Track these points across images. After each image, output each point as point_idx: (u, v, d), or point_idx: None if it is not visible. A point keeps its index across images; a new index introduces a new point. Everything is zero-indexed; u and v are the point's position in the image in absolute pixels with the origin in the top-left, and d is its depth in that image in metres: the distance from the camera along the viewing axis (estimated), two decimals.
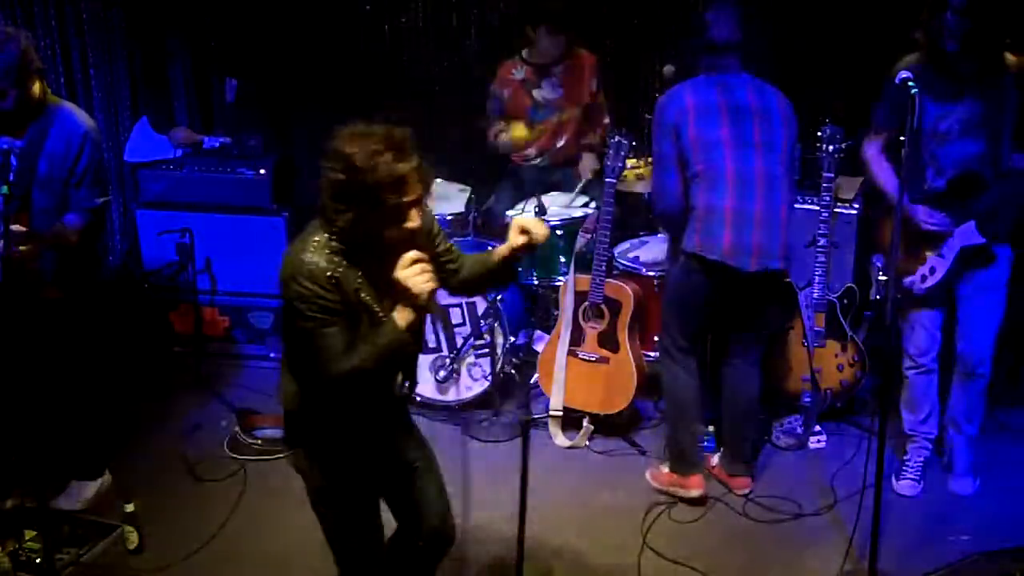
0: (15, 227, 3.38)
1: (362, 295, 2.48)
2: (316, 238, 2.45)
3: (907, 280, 3.75)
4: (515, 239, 2.64)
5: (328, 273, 2.41)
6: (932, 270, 3.71)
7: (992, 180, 3.59)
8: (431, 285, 2.41)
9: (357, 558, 2.78)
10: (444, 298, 4.51)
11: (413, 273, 2.38)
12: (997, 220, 3.60)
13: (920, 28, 3.51)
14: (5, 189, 3.16)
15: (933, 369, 3.94)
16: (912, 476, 3.98)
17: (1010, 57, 3.51)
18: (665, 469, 4.00)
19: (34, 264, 3.53)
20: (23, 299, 3.55)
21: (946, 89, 3.52)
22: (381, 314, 2.50)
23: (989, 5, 3.36)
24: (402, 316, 2.42)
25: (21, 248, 3.39)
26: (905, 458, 4.04)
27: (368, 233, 2.41)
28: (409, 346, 2.51)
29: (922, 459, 4.03)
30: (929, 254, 3.71)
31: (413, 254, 2.39)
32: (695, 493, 3.89)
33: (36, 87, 3.47)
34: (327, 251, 2.43)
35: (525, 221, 2.65)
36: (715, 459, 4.09)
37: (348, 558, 2.79)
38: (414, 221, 2.43)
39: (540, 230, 2.63)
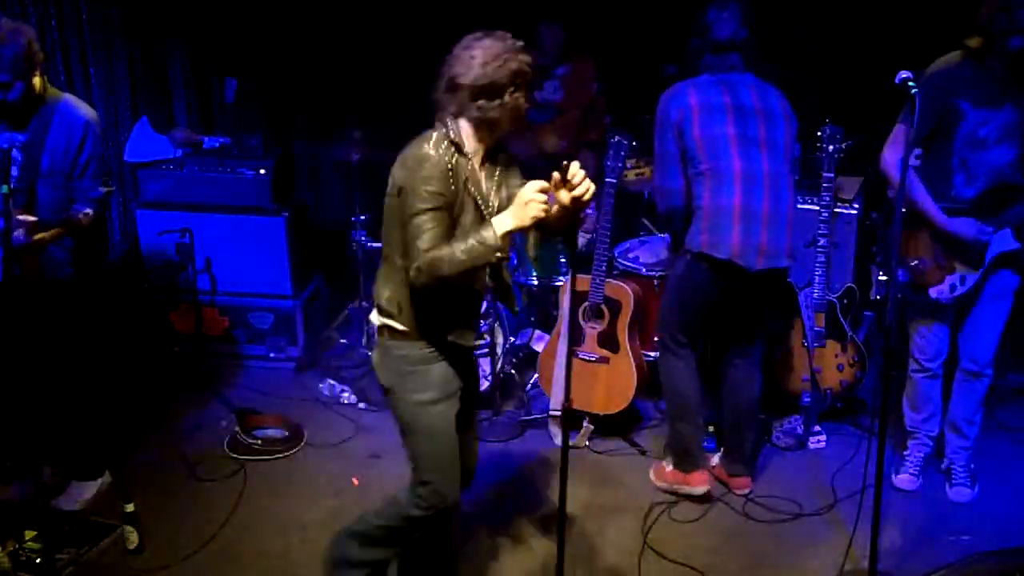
0: (24, 216, 3.41)
1: (470, 185, 2.76)
2: (434, 135, 2.75)
3: (935, 291, 3.70)
4: (559, 196, 2.66)
5: (445, 159, 2.70)
6: (963, 279, 3.68)
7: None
8: (542, 212, 2.62)
9: (437, 466, 2.92)
10: None
11: (537, 198, 2.61)
12: None
13: (977, 31, 3.40)
14: (5, 188, 3.16)
15: (939, 374, 3.94)
16: (911, 471, 4.00)
17: None
18: (668, 467, 4.00)
19: (38, 258, 3.54)
20: (30, 293, 3.57)
21: (988, 94, 3.45)
22: (485, 207, 2.78)
23: None
24: (503, 224, 2.64)
25: (35, 237, 3.42)
26: (905, 453, 4.06)
27: (496, 118, 2.72)
28: (500, 258, 2.67)
29: (922, 455, 4.04)
30: (958, 266, 3.67)
31: (541, 183, 2.63)
32: (700, 490, 3.89)
33: (37, 80, 3.48)
34: (444, 143, 2.73)
35: (561, 174, 2.62)
36: (715, 459, 4.09)
37: (428, 467, 2.93)
38: (527, 101, 2.77)
39: (580, 181, 2.61)
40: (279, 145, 5.43)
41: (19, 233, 3.38)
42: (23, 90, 3.41)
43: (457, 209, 2.74)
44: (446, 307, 2.84)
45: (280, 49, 5.73)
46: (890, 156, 3.61)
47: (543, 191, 2.62)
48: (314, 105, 5.86)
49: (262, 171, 4.95)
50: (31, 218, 3.43)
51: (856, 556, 3.43)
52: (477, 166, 2.81)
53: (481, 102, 2.70)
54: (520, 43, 2.72)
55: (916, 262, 3.69)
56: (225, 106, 5.85)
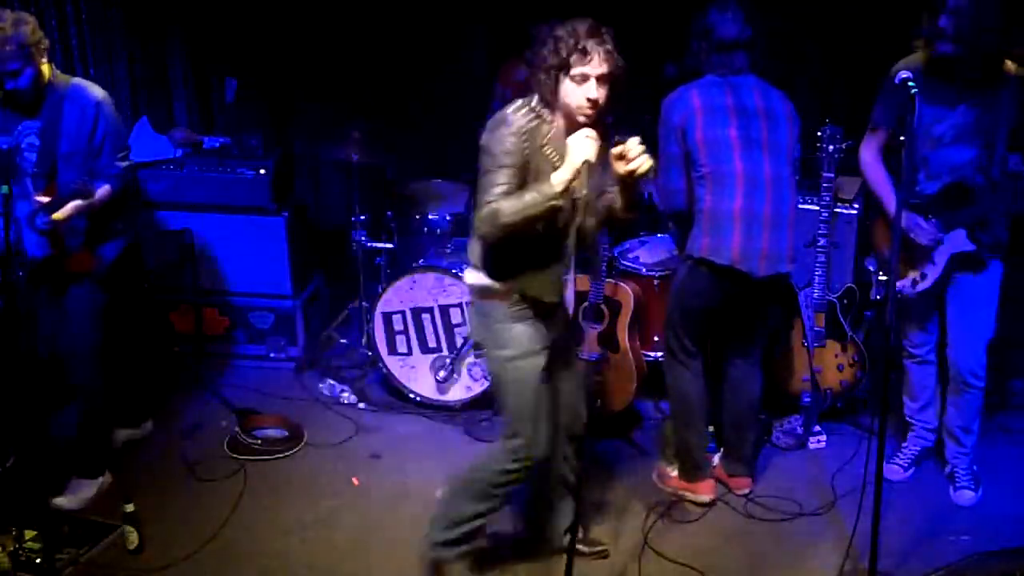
0: (40, 198, 3.56)
1: (546, 149, 2.94)
2: (520, 101, 2.97)
3: (899, 284, 3.75)
4: (616, 168, 2.88)
5: (523, 123, 2.91)
6: (923, 276, 3.72)
7: (983, 188, 3.58)
8: (590, 152, 2.84)
9: (524, 419, 3.12)
10: (445, 299, 4.54)
11: (581, 138, 2.85)
12: (987, 230, 3.60)
13: (919, 35, 3.49)
14: (5, 189, 3.19)
15: (930, 360, 3.96)
16: (900, 463, 4.03)
17: (1009, 64, 3.48)
18: (673, 472, 4.00)
19: (62, 237, 3.68)
20: (53, 276, 3.74)
21: (942, 94, 3.51)
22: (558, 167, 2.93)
23: (984, 9, 3.33)
24: (559, 175, 2.87)
25: (54, 217, 3.53)
26: (903, 445, 4.09)
27: (557, 97, 2.90)
28: (554, 207, 2.87)
29: (919, 448, 4.07)
30: (918, 262, 3.72)
31: (588, 130, 2.87)
32: (705, 498, 3.90)
33: (45, 67, 3.60)
34: (525, 109, 2.95)
35: (620, 148, 2.84)
36: (715, 459, 4.09)
37: (516, 419, 3.14)
38: (592, 93, 2.87)
39: (636, 155, 2.83)
40: (279, 145, 5.43)
41: (41, 217, 3.55)
42: (33, 76, 3.53)
43: (532, 172, 2.92)
44: (521, 262, 3.03)
45: (280, 49, 5.73)
46: (864, 155, 3.76)
47: (588, 136, 2.84)
48: (314, 105, 5.86)
49: (262, 171, 4.94)
50: (46, 199, 3.56)
51: (856, 556, 3.43)
52: (562, 133, 2.96)
53: (538, 75, 2.92)
54: (584, 32, 2.85)
55: (885, 252, 3.75)
56: (225, 106, 5.85)
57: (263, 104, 5.88)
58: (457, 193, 5.11)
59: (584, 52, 2.84)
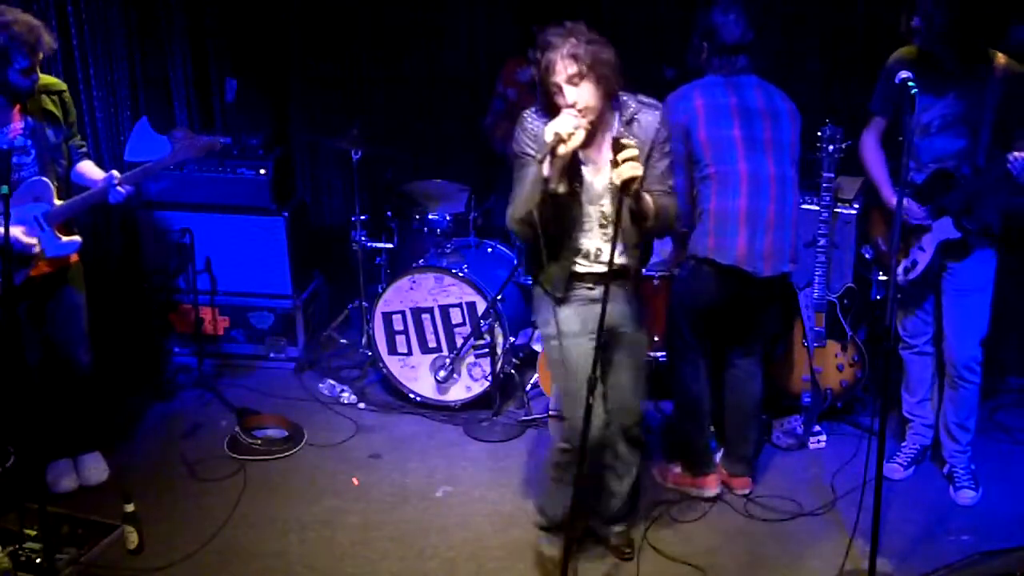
0: (115, 172, 3.80)
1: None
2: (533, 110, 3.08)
3: None
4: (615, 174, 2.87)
5: (533, 126, 3.04)
6: (914, 263, 3.75)
7: (968, 176, 3.61)
8: (562, 129, 2.83)
9: (568, 402, 3.27)
10: (445, 299, 4.54)
11: (560, 117, 2.89)
12: (973, 216, 3.61)
13: (900, 32, 3.60)
14: (5, 189, 3.18)
15: (928, 352, 3.98)
16: (900, 462, 4.04)
17: (1000, 57, 3.52)
18: (676, 469, 4.00)
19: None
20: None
21: (930, 83, 3.52)
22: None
23: (946, 6, 3.42)
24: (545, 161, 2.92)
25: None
26: (902, 444, 4.09)
27: (558, 111, 2.94)
28: (550, 192, 2.93)
29: (918, 446, 4.07)
30: (910, 249, 3.75)
31: (571, 111, 2.91)
32: (710, 493, 3.91)
33: None
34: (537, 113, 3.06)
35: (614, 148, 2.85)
36: (717, 458, 4.09)
37: (563, 402, 3.36)
38: (569, 98, 2.91)
39: (624, 156, 2.81)
40: (280, 145, 5.43)
41: (127, 189, 3.75)
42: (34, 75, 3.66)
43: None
44: (534, 256, 3.14)
45: (280, 48, 5.73)
46: (864, 140, 3.85)
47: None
48: (314, 105, 5.86)
49: (262, 171, 4.95)
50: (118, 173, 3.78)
51: (856, 556, 3.43)
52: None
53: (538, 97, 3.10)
54: (545, 44, 2.97)
55: (879, 240, 3.83)
56: (225, 106, 5.85)
57: (263, 104, 5.88)
58: (457, 193, 5.11)
59: (548, 67, 2.91)
